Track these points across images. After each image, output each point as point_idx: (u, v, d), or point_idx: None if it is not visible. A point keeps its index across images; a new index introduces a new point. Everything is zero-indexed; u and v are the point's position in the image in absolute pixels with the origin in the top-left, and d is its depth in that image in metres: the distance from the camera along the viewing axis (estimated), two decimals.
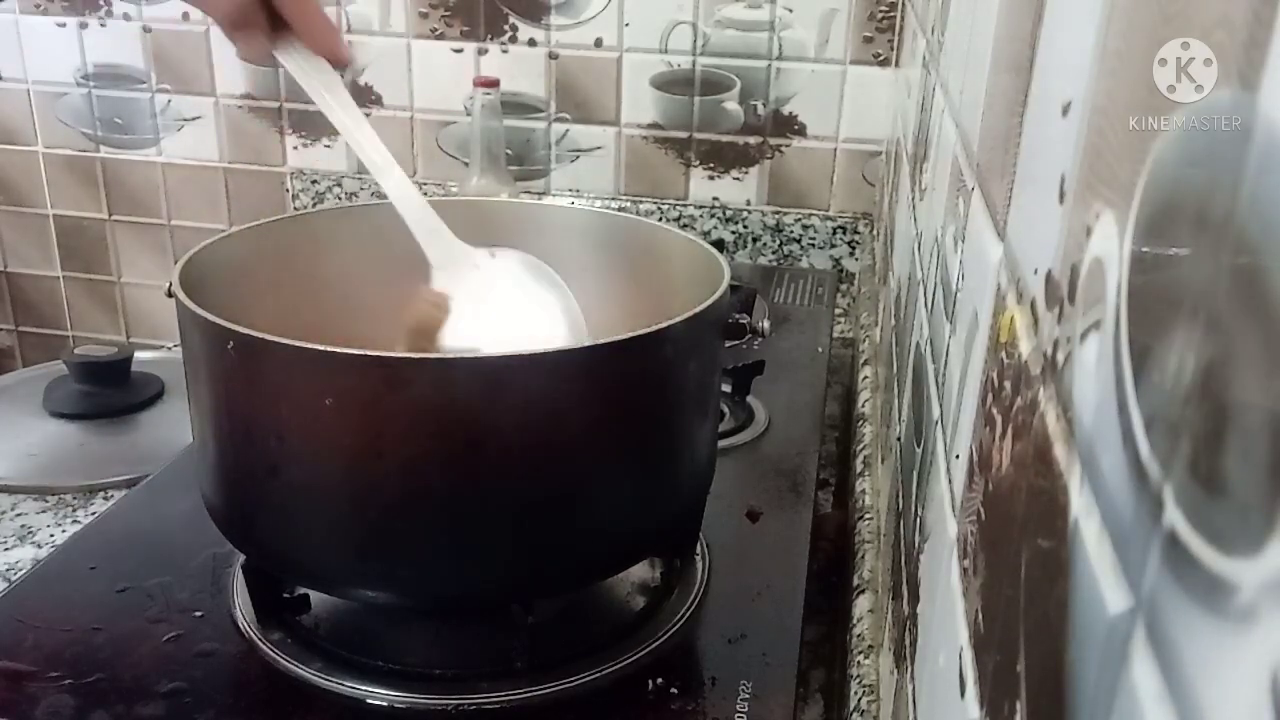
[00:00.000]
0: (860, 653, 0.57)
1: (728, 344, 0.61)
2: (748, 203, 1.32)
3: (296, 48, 0.56)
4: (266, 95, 1.39)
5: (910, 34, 1.00)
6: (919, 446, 0.51)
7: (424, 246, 0.62)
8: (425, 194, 0.65)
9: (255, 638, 0.59)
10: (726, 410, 0.85)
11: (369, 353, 0.49)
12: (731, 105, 1.29)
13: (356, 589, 0.57)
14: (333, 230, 0.70)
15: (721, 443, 0.73)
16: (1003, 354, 0.31)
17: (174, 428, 0.84)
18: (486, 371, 0.51)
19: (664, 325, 0.54)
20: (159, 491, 0.73)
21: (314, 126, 1.39)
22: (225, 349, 0.51)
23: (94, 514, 0.73)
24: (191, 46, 1.39)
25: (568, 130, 1.33)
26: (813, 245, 1.31)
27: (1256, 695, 0.13)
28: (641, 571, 0.65)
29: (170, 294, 0.54)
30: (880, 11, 1.22)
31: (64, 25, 1.40)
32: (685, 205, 1.33)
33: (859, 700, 0.53)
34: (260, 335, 0.50)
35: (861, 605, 0.61)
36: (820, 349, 1.01)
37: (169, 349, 1.04)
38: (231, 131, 1.42)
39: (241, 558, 0.63)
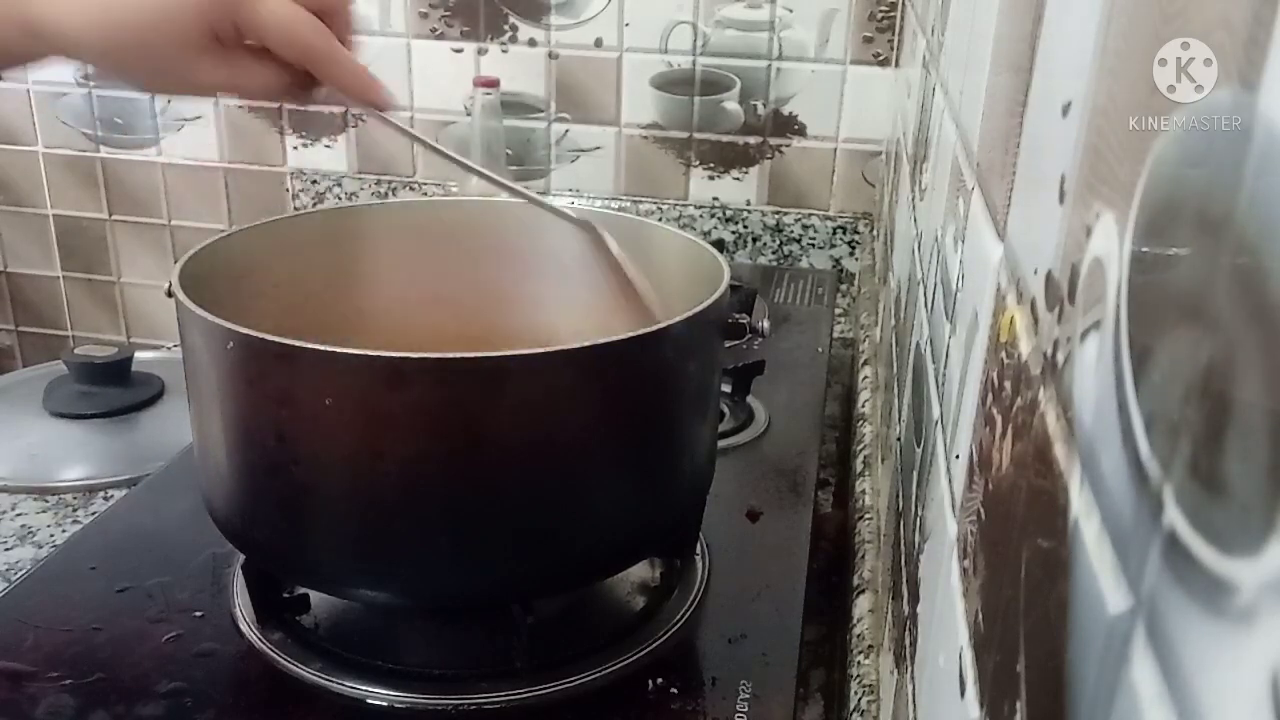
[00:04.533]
0: (860, 653, 0.57)
1: (728, 344, 0.61)
2: (748, 203, 1.32)
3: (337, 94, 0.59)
4: None
5: (910, 34, 1.00)
6: (919, 446, 0.51)
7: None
8: (427, 195, 0.66)
9: (255, 638, 0.59)
10: (726, 410, 0.85)
11: (369, 353, 0.49)
12: (731, 105, 1.29)
13: (356, 589, 0.57)
14: (333, 230, 0.70)
15: (721, 443, 0.73)
16: (1003, 354, 0.31)
17: (174, 428, 0.84)
18: (486, 371, 0.51)
19: (664, 325, 0.54)
20: (159, 491, 0.73)
21: (314, 126, 1.39)
22: (225, 349, 0.51)
23: (94, 514, 0.73)
24: None
25: (568, 130, 1.33)
26: (813, 245, 1.31)
27: (1256, 695, 0.13)
28: (641, 571, 0.65)
29: (170, 294, 0.55)
30: (880, 11, 1.22)
31: None
32: (685, 205, 1.33)
33: (859, 700, 0.53)
34: (260, 335, 0.50)
35: (861, 605, 0.61)
36: (820, 349, 1.01)
37: (169, 349, 1.04)
38: (231, 131, 1.42)
39: (241, 558, 0.63)
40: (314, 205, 1.39)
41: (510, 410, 0.51)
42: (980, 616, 0.30)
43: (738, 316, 0.61)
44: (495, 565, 0.54)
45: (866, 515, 0.70)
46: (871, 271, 1.13)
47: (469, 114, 1.27)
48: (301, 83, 0.57)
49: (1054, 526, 0.23)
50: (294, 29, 0.54)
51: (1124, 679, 0.17)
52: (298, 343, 0.49)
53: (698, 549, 0.67)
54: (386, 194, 1.37)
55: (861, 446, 0.79)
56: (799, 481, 0.77)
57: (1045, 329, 0.27)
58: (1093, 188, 0.24)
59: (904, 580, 0.50)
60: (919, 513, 0.48)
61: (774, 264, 1.31)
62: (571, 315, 0.70)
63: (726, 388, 0.86)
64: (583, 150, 1.34)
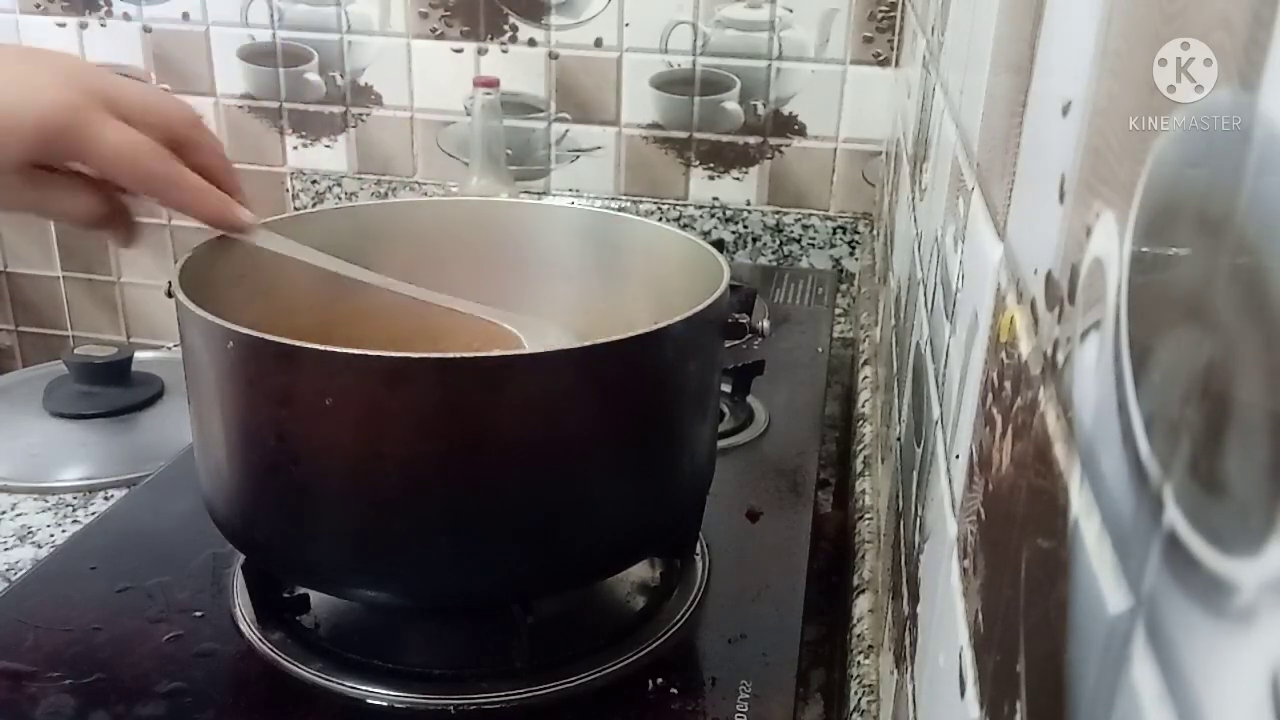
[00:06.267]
0: (860, 653, 0.57)
1: (728, 344, 0.61)
2: (748, 203, 1.32)
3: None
4: (266, 95, 1.39)
5: (910, 34, 1.00)
6: (919, 446, 0.51)
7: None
8: (427, 195, 0.66)
9: (255, 638, 0.59)
10: (726, 410, 0.85)
11: (369, 353, 0.49)
12: (731, 105, 1.29)
13: (356, 589, 0.57)
14: (333, 230, 0.70)
15: (721, 443, 0.73)
16: (1003, 354, 0.31)
17: (174, 428, 0.84)
18: (486, 371, 0.51)
19: (664, 325, 0.54)
20: (159, 491, 0.73)
21: (314, 126, 1.39)
22: (225, 349, 0.51)
23: (94, 514, 0.73)
24: (191, 46, 1.39)
25: (568, 130, 1.33)
26: (813, 245, 1.31)
27: (1256, 695, 0.13)
28: (641, 571, 0.65)
29: (170, 294, 0.54)
30: (880, 11, 1.22)
31: (64, 25, 1.40)
32: (685, 205, 1.33)
33: (859, 700, 0.53)
34: (260, 335, 0.50)
35: (861, 605, 0.61)
36: (820, 349, 1.01)
37: (169, 349, 1.04)
38: (231, 131, 1.42)
39: (241, 558, 0.63)
40: (314, 205, 1.39)
41: (510, 410, 0.51)
42: (980, 616, 0.30)
43: (738, 316, 0.61)
44: (495, 565, 0.54)
45: (866, 515, 0.70)
46: (871, 271, 1.13)
47: (469, 114, 1.27)
48: (120, 210, 0.55)
49: (1054, 526, 0.23)
50: (136, 159, 0.52)
51: (1124, 679, 0.17)
52: (298, 343, 0.49)
53: (698, 549, 0.67)
54: (386, 194, 1.37)
55: (861, 446, 0.79)
56: (799, 481, 0.77)
57: (1045, 329, 0.27)
58: (1093, 188, 0.24)
59: (904, 580, 0.50)
60: (919, 513, 0.48)
61: (774, 264, 1.31)
62: (571, 315, 0.70)
63: (726, 388, 0.86)
64: (583, 150, 1.34)
